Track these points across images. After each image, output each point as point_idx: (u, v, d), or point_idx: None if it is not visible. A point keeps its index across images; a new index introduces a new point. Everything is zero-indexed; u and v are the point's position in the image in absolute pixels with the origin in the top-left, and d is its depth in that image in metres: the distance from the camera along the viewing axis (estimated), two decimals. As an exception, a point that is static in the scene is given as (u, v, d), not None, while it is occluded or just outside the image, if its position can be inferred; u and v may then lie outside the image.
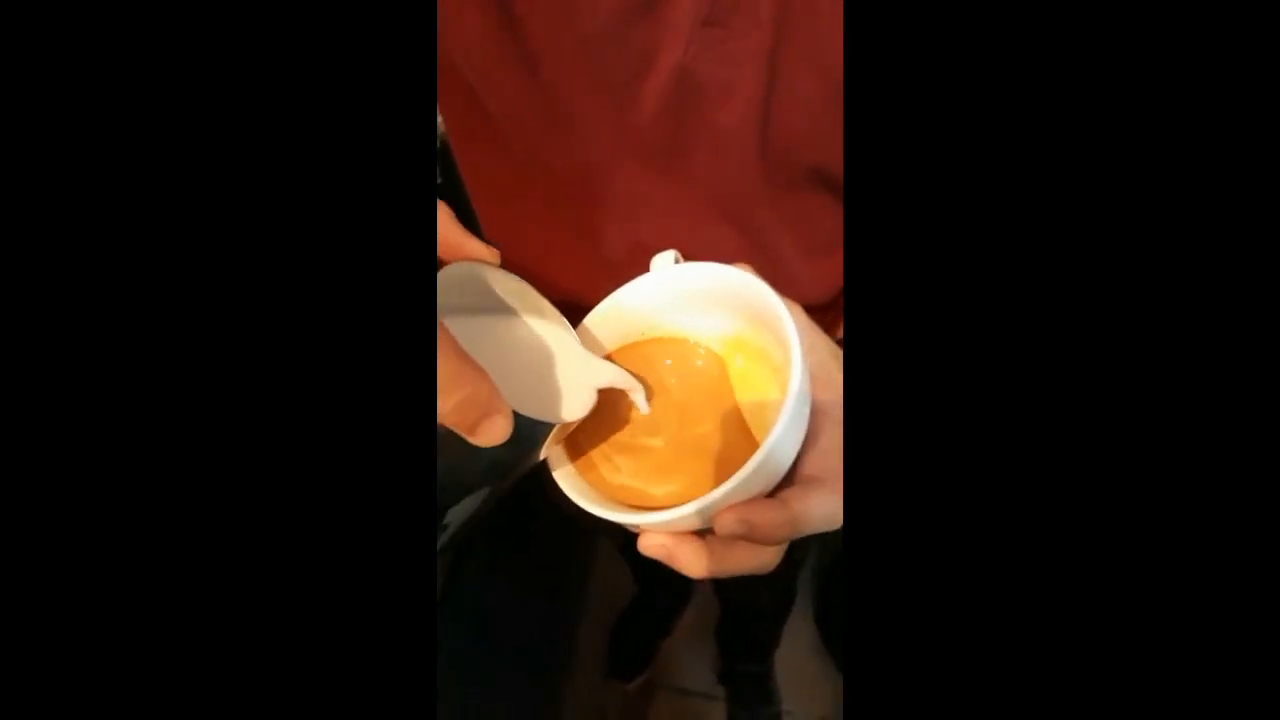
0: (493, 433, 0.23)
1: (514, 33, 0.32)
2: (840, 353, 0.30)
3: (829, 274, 0.42)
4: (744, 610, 1.03)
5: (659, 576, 1.17)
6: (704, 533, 0.26)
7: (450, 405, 0.22)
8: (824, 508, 0.26)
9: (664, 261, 0.30)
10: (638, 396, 0.30)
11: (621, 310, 0.31)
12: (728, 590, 1.00)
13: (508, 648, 1.03)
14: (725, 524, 0.24)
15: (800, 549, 0.89)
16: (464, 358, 0.22)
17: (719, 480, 0.24)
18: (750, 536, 0.24)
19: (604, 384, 0.28)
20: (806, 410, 0.26)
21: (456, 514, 0.27)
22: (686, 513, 0.24)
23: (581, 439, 0.30)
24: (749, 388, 0.30)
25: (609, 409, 0.30)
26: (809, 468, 0.27)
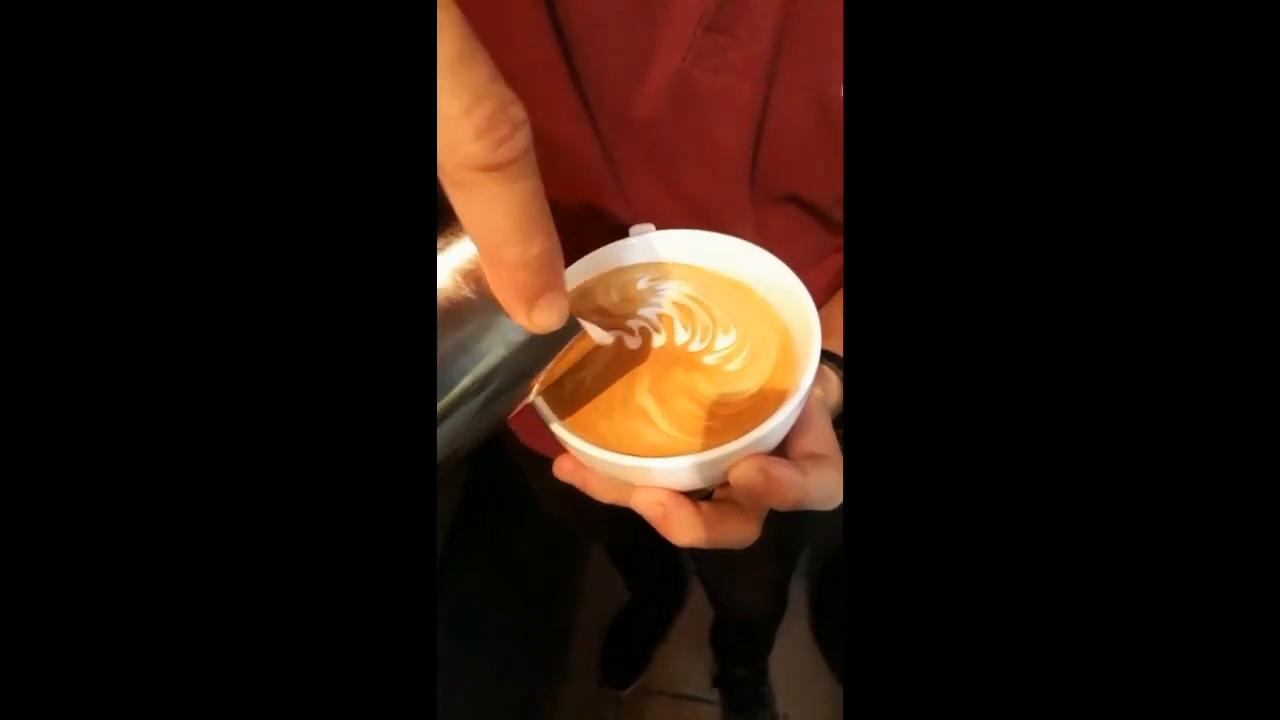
0: (552, 312, 0.19)
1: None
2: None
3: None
4: (738, 614, 1.03)
5: (652, 582, 1.17)
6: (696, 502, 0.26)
7: (529, 255, 0.17)
8: (829, 480, 0.26)
9: (642, 229, 0.31)
10: (602, 336, 0.28)
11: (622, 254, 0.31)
12: (721, 594, 1.00)
13: (500, 656, 1.02)
14: (745, 470, 0.24)
15: (793, 552, 0.89)
16: (546, 205, 0.17)
17: (704, 442, 0.24)
18: (764, 490, 0.24)
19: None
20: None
21: (453, 431, 0.22)
22: (720, 454, 0.23)
23: (575, 395, 0.29)
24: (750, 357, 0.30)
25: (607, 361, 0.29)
26: (809, 445, 0.27)
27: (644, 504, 0.25)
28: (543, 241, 0.17)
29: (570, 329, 0.21)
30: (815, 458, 0.26)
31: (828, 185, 0.36)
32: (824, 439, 0.27)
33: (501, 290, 0.19)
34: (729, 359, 0.28)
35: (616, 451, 0.25)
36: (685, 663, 1.16)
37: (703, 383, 0.28)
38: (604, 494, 0.28)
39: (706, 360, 0.28)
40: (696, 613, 1.18)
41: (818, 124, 0.32)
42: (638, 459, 0.24)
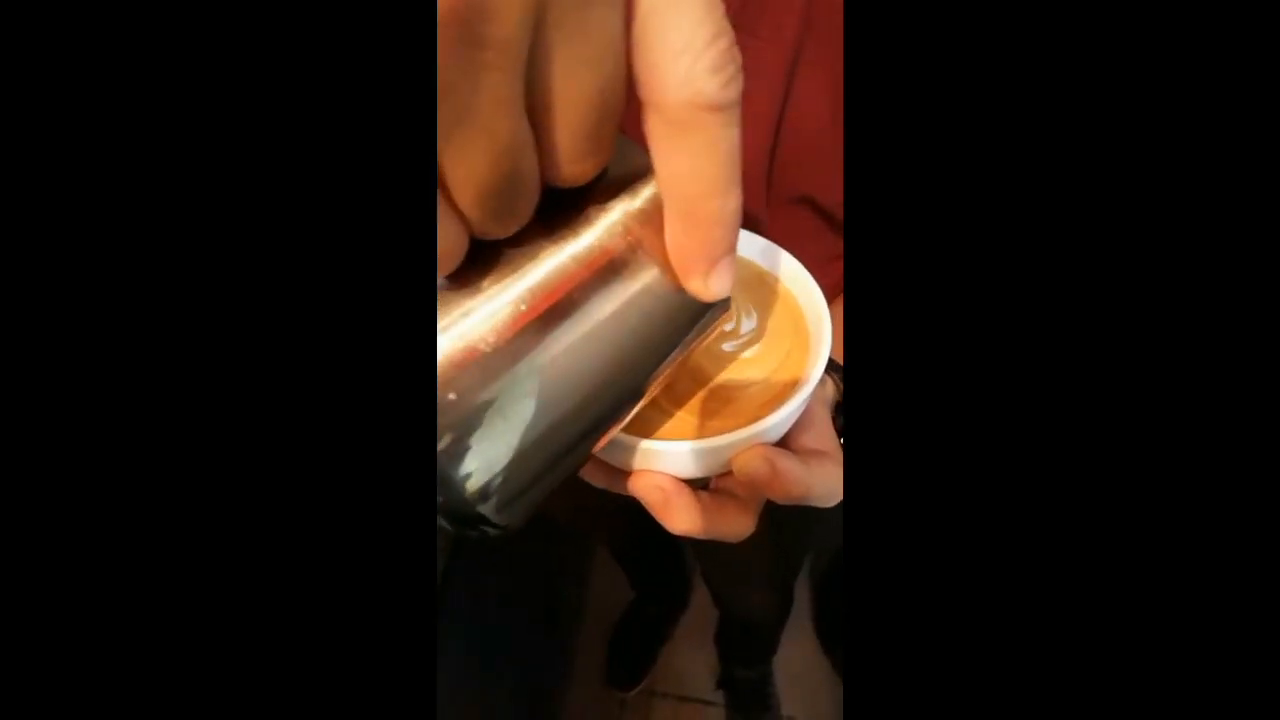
0: (728, 278, 0.17)
1: None
2: None
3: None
4: (742, 615, 1.03)
5: (656, 582, 1.17)
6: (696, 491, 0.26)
7: (727, 210, 0.16)
8: (831, 477, 0.26)
9: None
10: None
11: None
12: (725, 595, 1.00)
13: (503, 657, 1.02)
14: (750, 460, 0.24)
15: (797, 553, 0.89)
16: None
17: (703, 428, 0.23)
18: (768, 481, 0.24)
19: None
20: None
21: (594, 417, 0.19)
22: (726, 442, 0.23)
23: None
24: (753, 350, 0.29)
25: None
26: (810, 441, 0.27)
27: (644, 488, 0.25)
28: (739, 196, 0.16)
29: (724, 305, 0.19)
30: (817, 454, 0.26)
31: (840, 188, 0.36)
32: (825, 436, 0.27)
33: (685, 248, 0.17)
34: (746, 345, 0.28)
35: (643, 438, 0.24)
36: (689, 664, 1.16)
37: (711, 366, 0.28)
38: (599, 479, 0.27)
39: (725, 346, 0.28)
40: (701, 613, 1.18)
41: (833, 125, 0.32)
42: (639, 439, 0.24)
